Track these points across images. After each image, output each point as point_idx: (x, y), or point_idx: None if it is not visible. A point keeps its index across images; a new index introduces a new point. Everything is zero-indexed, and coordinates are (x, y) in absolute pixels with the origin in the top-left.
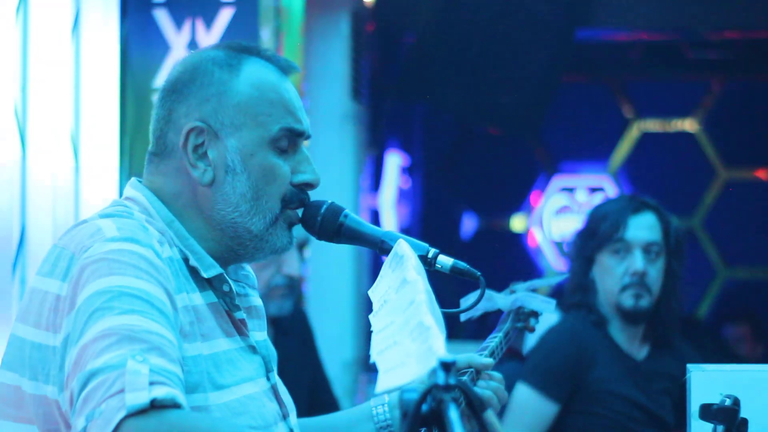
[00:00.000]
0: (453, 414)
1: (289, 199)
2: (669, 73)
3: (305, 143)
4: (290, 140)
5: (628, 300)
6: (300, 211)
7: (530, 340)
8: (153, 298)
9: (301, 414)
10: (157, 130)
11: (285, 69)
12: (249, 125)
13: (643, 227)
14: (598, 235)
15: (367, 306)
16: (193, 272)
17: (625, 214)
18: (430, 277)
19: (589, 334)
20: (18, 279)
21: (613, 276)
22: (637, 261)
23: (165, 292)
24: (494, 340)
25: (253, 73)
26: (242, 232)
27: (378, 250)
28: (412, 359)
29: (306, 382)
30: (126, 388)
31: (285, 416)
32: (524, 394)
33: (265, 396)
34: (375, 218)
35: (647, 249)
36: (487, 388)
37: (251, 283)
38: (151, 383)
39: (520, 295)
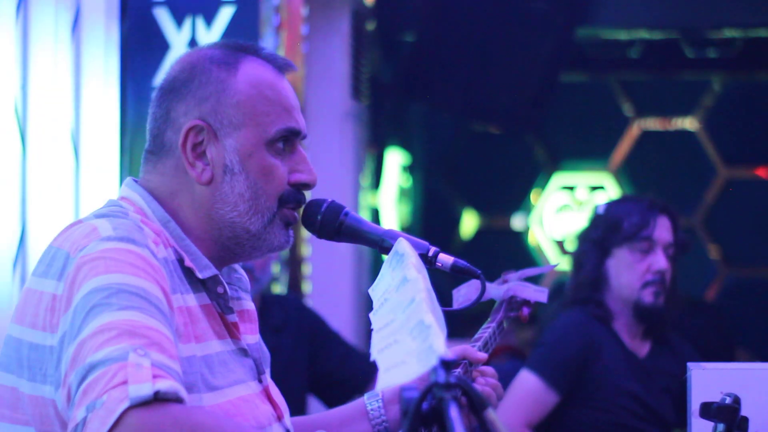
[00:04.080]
0: (453, 412)
1: (287, 199)
2: (669, 72)
3: (302, 143)
4: (288, 140)
5: (648, 297)
6: (297, 212)
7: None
8: (150, 295)
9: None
10: (155, 129)
11: (282, 67)
12: (248, 125)
13: (665, 228)
14: (622, 229)
15: (368, 305)
16: (188, 273)
17: (653, 213)
18: (431, 275)
19: (596, 327)
20: (18, 279)
21: (634, 272)
22: (661, 259)
23: (161, 291)
24: (487, 330)
25: (251, 72)
26: (240, 232)
27: (378, 249)
28: (413, 358)
29: (302, 379)
30: (129, 379)
31: (279, 418)
32: (528, 381)
33: (258, 398)
34: (375, 217)
35: (666, 249)
36: (486, 384)
37: (244, 286)
38: (154, 377)
39: (512, 284)
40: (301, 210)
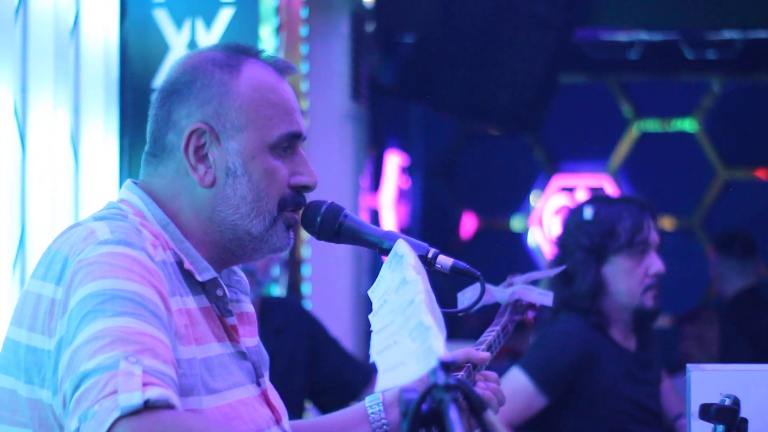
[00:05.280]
0: (453, 414)
1: (286, 202)
2: (669, 73)
3: (302, 144)
4: (289, 143)
5: (649, 301)
6: (297, 214)
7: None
8: (146, 300)
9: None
10: (156, 131)
11: (283, 70)
12: (250, 128)
13: (654, 228)
14: (618, 236)
15: (367, 306)
16: (187, 276)
17: (645, 215)
18: (430, 277)
19: (593, 336)
20: (18, 279)
21: (633, 278)
22: (658, 262)
23: (158, 294)
24: (491, 333)
25: (253, 74)
26: (242, 234)
27: (378, 250)
28: (412, 359)
29: (302, 382)
30: (119, 389)
31: (278, 421)
32: (519, 381)
33: (256, 401)
34: (375, 218)
35: (657, 250)
36: (487, 389)
37: (243, 289)
38: (145, 384)
39: (517, 287)
40: (301, 212)
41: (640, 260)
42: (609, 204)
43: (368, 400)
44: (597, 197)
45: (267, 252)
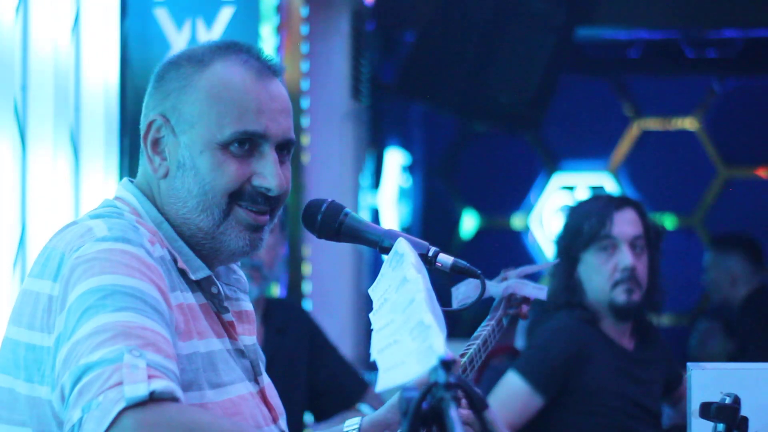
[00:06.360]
0: (453, 412)
1: (239, 196)
2: (669, 72)
3: (274, 147)
4: (251, 143)
5: (620, 296)
6: (260, 214)
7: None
8: (146, 295)
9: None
10: (140, 124)
11: (268, 69)
12: (201, 123)
13: (627, 222)
14: (583, 233)
15: (368, 305)
16: (183, 273)
17: (609, 211)
18: (430, 275)
19: (585, 331)
20: (18, 279)
21: (602, 273)
22: (626, 256)
23: (158, 290)
24: (487, 328)
25: (221, 71)
26: (195, 230)
27: (378, 249)
28: (412, 358)
29: (303, 380)
30: (124, 380)
31: (275, 419)
32: (514, 383)
33: (255, 398)
34: (375, 217)
35: (633, 244)
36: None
37: (243, 287)
38: (149, 377)
39: (512, 282)
40: (296, 212)
41: (609, 256)
42: (580, 204)
43: (347, 424)
44: (582, 200)
45: (227, 254)
